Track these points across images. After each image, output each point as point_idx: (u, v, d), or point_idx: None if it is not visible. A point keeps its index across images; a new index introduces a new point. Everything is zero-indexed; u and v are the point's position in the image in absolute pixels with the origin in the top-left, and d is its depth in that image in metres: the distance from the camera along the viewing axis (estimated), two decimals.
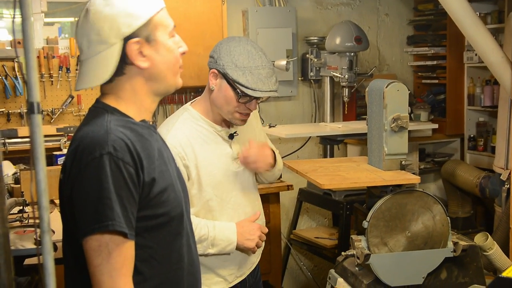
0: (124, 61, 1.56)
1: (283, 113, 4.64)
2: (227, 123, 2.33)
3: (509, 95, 3.37)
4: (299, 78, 4.62)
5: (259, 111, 2.63)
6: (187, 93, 4.30)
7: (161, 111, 4.28)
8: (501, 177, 3.69)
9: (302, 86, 4.68)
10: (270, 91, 2.20)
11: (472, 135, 4.68)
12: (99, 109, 1.60)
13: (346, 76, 4.12)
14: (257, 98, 2.23)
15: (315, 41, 4.53)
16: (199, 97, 2.36)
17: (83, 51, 1.58)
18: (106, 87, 1.61)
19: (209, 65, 2.25)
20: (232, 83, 2.19)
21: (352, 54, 4.14)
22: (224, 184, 2.29)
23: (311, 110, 4.73)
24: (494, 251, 2.71)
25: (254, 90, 2.18)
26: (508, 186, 3.50)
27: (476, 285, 2.16)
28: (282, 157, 4.37)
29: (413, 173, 2.72)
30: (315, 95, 4.69)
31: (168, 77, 1.64)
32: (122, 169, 1.46)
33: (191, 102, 2.36)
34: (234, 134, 2.33)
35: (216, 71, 2.22)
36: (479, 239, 2.73)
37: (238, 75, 2.17)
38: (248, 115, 2.28)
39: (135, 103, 1.62)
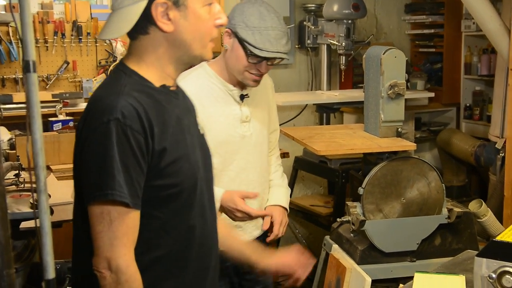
0: (149, 20, 1.52)
1: (280, 81, 4.62)
2: (240, 85, 2.33)
3: (506, 63, 3.35)
4: (296, 46, 4.60)
5: None
6: None
7: None
8: (496, 146, 3.70)
9: (299, 54, 4.66)
10: (278, 52, 2.21)
11: (468, 104, 4.68)
12: (118, 71, 1.57)
13: (343, 44, 4.11)
14: (266, 59, 2.22)
15: (313, 8, 4.49)
16: (218, 57, 2.37)
17: (113, 1, 1.55)
18: (132, 46, 1.58)
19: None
20: (241, 42, 2.21)
21: (350, 21, 4.12)
22: (228, 145, 2.30)
23: (308, 78, 4.72)
24: (488, 218, 2.73)
25: (261, 49, 2.18)
26: (503, 154, 3.51)
27: (469, 251, 2.18)
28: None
29: None
30: (312, 63, 4.67)
31: (193, 46, 1.56)
32: (130, 137, 1.43)
33: (208, 61, 2.36)
34: (245, 96, 2.33)
35: (229, 31, 2.24)
36: (473, 206, 2.76)
37: (247, 34, 2.18)
38: (259, 76, 2.27)
39: (157, 67, 1.57)
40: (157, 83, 1.57)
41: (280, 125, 4.43)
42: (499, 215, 3.04)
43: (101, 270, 1.45)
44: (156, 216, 1.53)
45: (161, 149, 1.49)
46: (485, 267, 1.58)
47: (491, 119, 4.00)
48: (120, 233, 1.45)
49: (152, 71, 1.57)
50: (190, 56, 1.59)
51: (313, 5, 4.50)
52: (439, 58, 4.81)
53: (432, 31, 4.76)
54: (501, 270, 1.55)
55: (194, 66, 1.72)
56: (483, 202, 2.77)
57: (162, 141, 1.49)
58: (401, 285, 1.83)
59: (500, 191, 3.29)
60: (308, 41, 4.47)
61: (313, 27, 4.34)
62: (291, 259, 1.93)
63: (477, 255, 1.61)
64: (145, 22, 1.52)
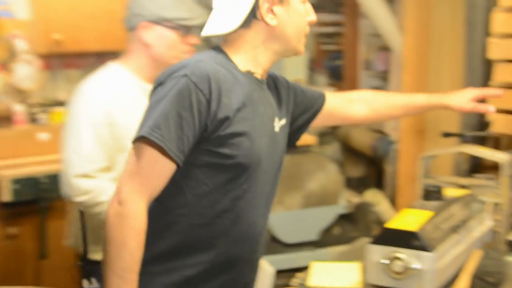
0: (254, 15, 1.59)
1: None
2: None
3: (399, 60, 3.54)
4: None
5: None
6: (89, 57, 4.23)
7: (61, 76, 4.20)
8: (391, 138, 3.89)
9: None
10: (203, 15, 2.13)
11: None
12: (211, 49, 1.65)
13: None
14: (194, 29, 2.15)
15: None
16: (126, 56, 2.24)
17: None
18: (228, 36, 1.63)
19: (133, 23, 2.15)
20: (169, 23, 2.12)
21: None
22: None
23: None
24: (383, 206, 2.88)
25: (191, 18, 2.13)
26: (396, 146, 3.70)
27: (365, 238, 2.31)
28: None
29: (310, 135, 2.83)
30: None
31: (291, 41, 1.65)
32: (192, 93, 1.47)
33: (118, 61, 2.24)
34: None
35: (147, 23, 2.12)
36: (370, 195, 2.90)
37: (173, 12, 2.12)
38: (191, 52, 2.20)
39: (249, 55, 1.63)
40: (243, 68, 1.63)
41: None
42: (394, 204, 3.21)
43: (113, 197, 1.48)
44: (204, 181, 1.55)
45: (224, 117, 1.52)
46: (377, 253, 1.66)
47: None
48: (144, 171, 1.47)
49: (242, 57, 1.63)
50: (287, 49, 1.67)
51: None
52: (339, 54, 4.98)
53: (334, 29, 4.92)
54: (391, 256, 1.64)
55: (286, 57, 1.77)
56: (379, 192, 2.92)
57: (228, 111, 1.52)
58: (297, 274, 1.91)
59: (394, 181, 3.47)
60: None
61: None
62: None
63: (370, 243, 1.71)
64: (249, 16, 1.59)
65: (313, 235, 2.64)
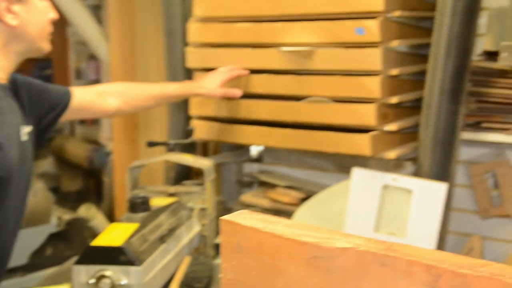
0: None
1: None
2: None
3: (108, 69, 3.51)
4: None
5: None
6: None
7: None
8: (107, 149, 3.84)
9: None
10: None
11: None
12: None
13: None
14: None
15: None
16: None
17: None
18: None
19: None
20: None
21: None
22: None
23: None
24: (98, 220, 2.82)
25: None
26: (112, 157, 3.67)
27: (76, 257, 2.22)
28: None
29: None
30: None
31: (36, 39, 1.61)
32: None
33: None
34: None
35: None
36: (84, 210, 2.82)
37: None
38: None
39: None
40: None
41: None
42: (113, 216, 3.16)
43: None
44: None
45: None
46: (83, 274, 1.62)
47: (102, 123, 4.14)
48: None
49: None
50: (32, 49, 1.63)
51: None
52: (48, 64, 4.79)
53: None
54: (98, 275, 1.60)
55: (32, 57, 1.67)
56: (93, 206, 2.85)
57: None
58: None
59: (112, 192, 3.43)
60: None
61: None
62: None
63: (75, 263, 1.64)
64: None
65: (22, 259, 2.47)
